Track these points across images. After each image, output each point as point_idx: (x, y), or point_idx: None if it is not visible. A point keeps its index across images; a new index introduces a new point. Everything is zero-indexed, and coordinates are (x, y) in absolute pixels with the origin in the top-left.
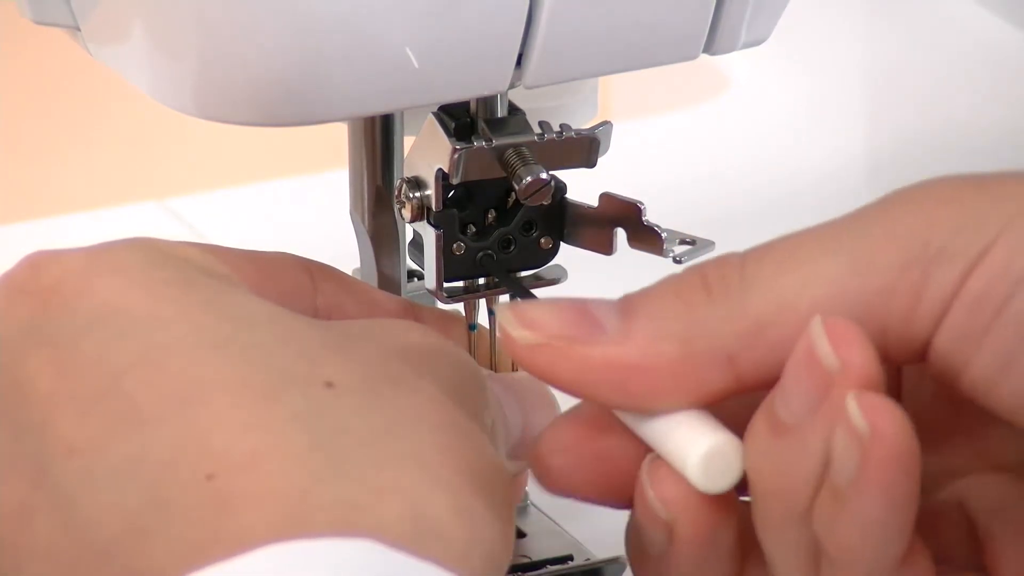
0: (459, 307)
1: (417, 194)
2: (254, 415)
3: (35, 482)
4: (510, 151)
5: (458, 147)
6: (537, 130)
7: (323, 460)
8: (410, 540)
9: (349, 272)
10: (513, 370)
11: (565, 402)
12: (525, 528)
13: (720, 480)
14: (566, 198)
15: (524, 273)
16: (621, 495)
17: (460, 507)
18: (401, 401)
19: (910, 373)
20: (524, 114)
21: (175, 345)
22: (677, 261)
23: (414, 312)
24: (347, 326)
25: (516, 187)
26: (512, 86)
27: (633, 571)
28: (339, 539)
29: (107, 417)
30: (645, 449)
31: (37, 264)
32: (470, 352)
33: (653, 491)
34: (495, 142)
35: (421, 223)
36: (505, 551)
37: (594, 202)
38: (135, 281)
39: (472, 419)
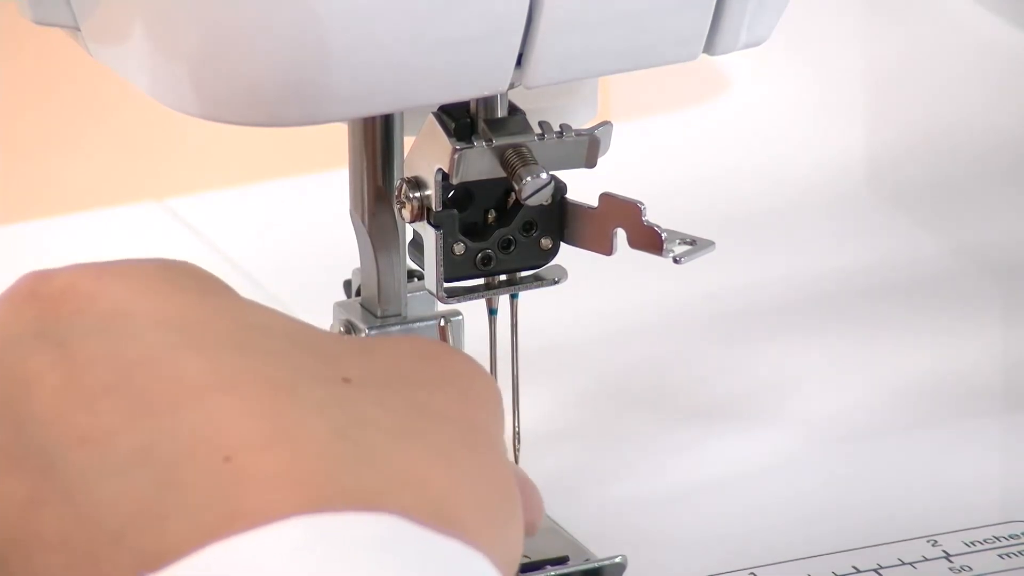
0: (459, 307)
1: (417, 194)
2: (272, 403)
3: (42, 474)
4: (510, 151)
5: (458, 147)
6: (537, 130)
7: (342, 446)
8: (419, 510)
9: (349, 272)
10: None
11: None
12: None
13: None
14: (566, 198)
15: (524, 273)
16: None
17: (479, 501)
18: (419, 396)
19: None
20: (524, 114)
21: (191, 343)
22: (677, 261)
23: None
24: (366, 339)
25: (516, 187)
26: (512, 86)
27: None
28: (365, 513)
29: (119, 407)
30: None
31: (45, 273)
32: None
33: None
34: (495, 142)
35: (421, 223)
36: (517, 550)
37: (594, 202)
38: (148, 287)
39: (485, 415)
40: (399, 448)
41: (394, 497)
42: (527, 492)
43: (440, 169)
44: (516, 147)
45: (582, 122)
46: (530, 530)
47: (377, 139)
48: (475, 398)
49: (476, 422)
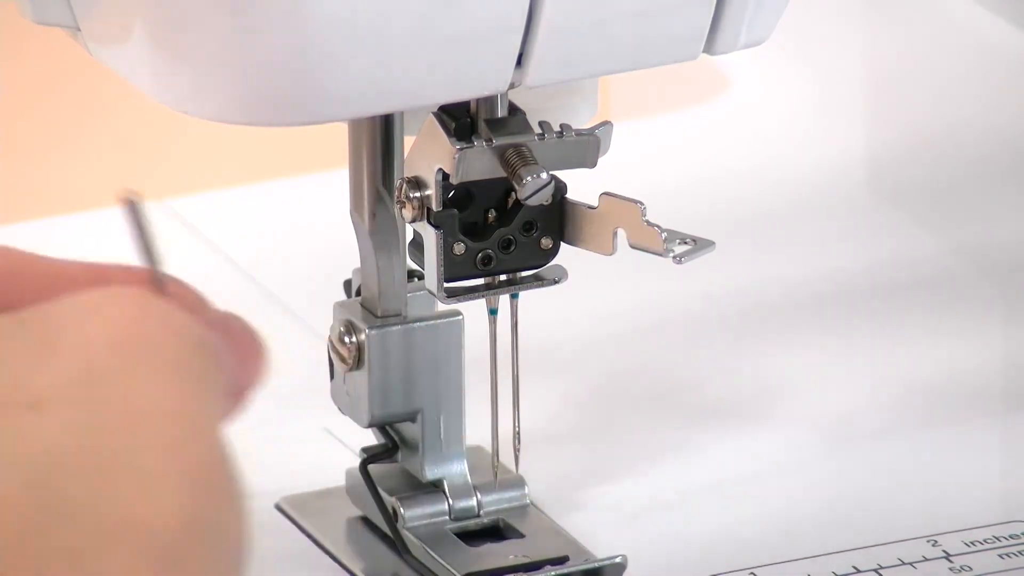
0: (459, 307)
1: (417, 194)
2: None
3: None
4: (510, 151)
5: (458, 147)
6: (537, 130)
7: (38, 501)
8: (148, 559)
9: (349, 272)
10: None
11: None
12: (525, 528)
13: None
14: (566, 198)
15: (524, 273)
16: None
17: (185, 510)
18: (116, 398)
19: None
20: (524, 114)
21: None
22: (677, 261)
23: (103, 275)
24: (45, 320)
25: (516, 187)
26: (512, 86)
27: None
28: None
29: None
30: None
31: None
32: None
33: None
34: (495, 142)
35: (421, 223)
36: (239, 528)
37: (594, 202)
38: None
39: (194, 387)
40: (106, 489)
41: (112, 556)
42: (246, 357)
43: (440, 169)
44: (516, 147)
45: (582, 122)
46: (240, 394)
47: (377, 139)
48: (178, 360)
49: (179, 400)
